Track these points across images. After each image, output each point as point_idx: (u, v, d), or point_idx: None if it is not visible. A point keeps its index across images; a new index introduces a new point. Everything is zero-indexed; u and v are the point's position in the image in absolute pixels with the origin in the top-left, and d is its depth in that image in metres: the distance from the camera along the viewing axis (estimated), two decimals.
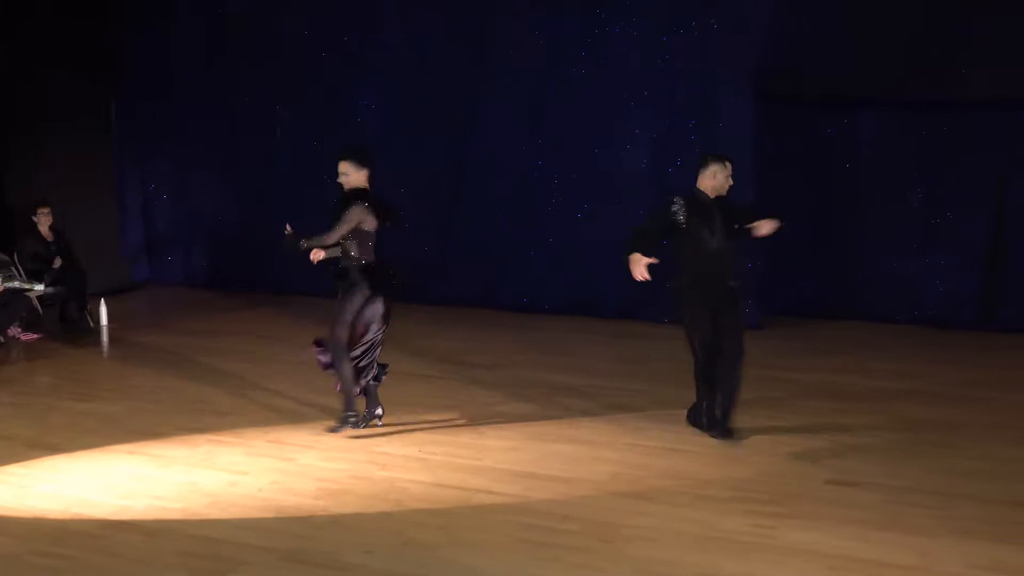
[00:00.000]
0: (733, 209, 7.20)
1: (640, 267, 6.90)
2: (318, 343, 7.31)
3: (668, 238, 7.14)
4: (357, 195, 7.14)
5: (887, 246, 11.71)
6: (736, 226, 7.11)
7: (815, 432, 7.20)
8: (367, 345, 7.12)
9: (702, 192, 7.13)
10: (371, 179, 7.30)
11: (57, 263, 10.92)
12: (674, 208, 7.03)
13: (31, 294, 10.49)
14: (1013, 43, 10.56)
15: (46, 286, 10.52)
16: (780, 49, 11.34)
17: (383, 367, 7.32)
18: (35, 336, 10.48)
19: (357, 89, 12.99)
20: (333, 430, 7.16)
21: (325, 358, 7.22)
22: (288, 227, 7.23)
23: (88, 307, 11.07)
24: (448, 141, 12.65)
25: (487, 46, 12.37)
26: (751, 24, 11.29)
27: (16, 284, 10.19)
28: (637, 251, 6.92)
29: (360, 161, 7.22)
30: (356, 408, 7.20)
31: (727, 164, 7.18)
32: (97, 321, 11.05)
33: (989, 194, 11.32)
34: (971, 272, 11.40)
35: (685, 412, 7.20)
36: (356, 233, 7.10)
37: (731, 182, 7.20)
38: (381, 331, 7.18)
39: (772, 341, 10.55)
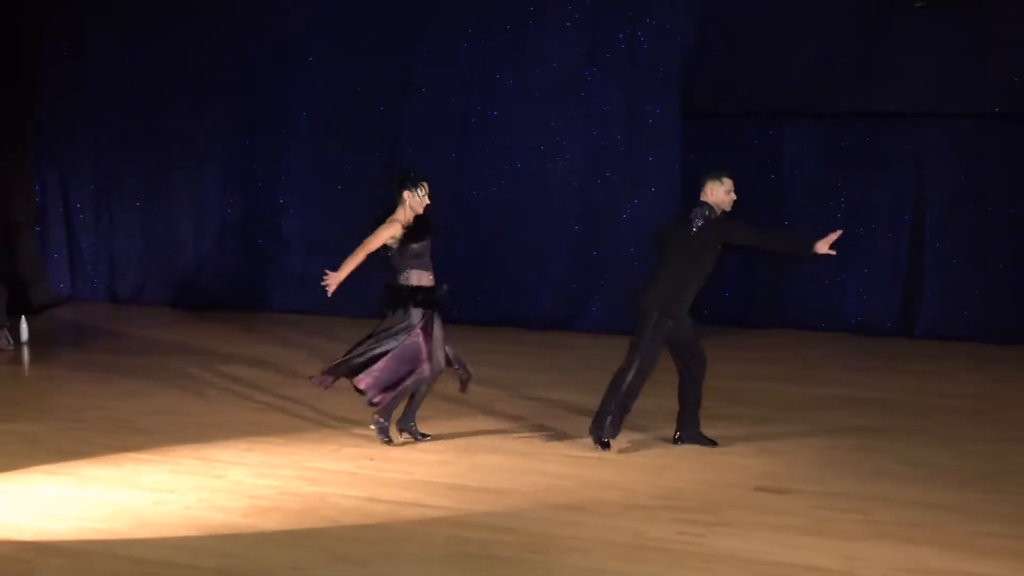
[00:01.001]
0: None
1: None
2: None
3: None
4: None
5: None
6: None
7: (742, 440, 7.31)
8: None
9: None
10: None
11: None
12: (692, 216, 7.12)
13: None
14: (923, 59, 10.88)
15: None
16: (706, 63, 11.53)
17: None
18: None
19: (285, 102, 12.91)
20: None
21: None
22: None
23: (7, 325, 10.83)
24: (374, 153, 12.63)
25: (413, 57, 12.37)
26: (678, 39, 11.46)
27: None
28: None
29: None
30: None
31: (725, 181, 7.20)
32: (18, 339, 10.82)
33: (908, 204, 11.62)
34: (892, 281, 11.69)
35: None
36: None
37: (734, 197, 7.27)
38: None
39: None
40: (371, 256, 7.21)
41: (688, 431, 7.22)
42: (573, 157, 11.91)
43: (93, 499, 6.08)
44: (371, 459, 6.88)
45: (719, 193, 7.14)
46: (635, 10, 11.55)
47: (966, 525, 5.67)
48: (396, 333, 7.03)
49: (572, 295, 11.99)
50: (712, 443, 7.18)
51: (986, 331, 11.30)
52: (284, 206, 13.06)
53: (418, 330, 7.01)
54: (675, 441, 7.22)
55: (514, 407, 8.31)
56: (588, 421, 7.21)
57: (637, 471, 6.65)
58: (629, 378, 6.98)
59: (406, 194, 7.15)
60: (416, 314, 7.03)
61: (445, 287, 7.18)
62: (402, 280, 7.10)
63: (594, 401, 7.26)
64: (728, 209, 7.22)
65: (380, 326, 7.14)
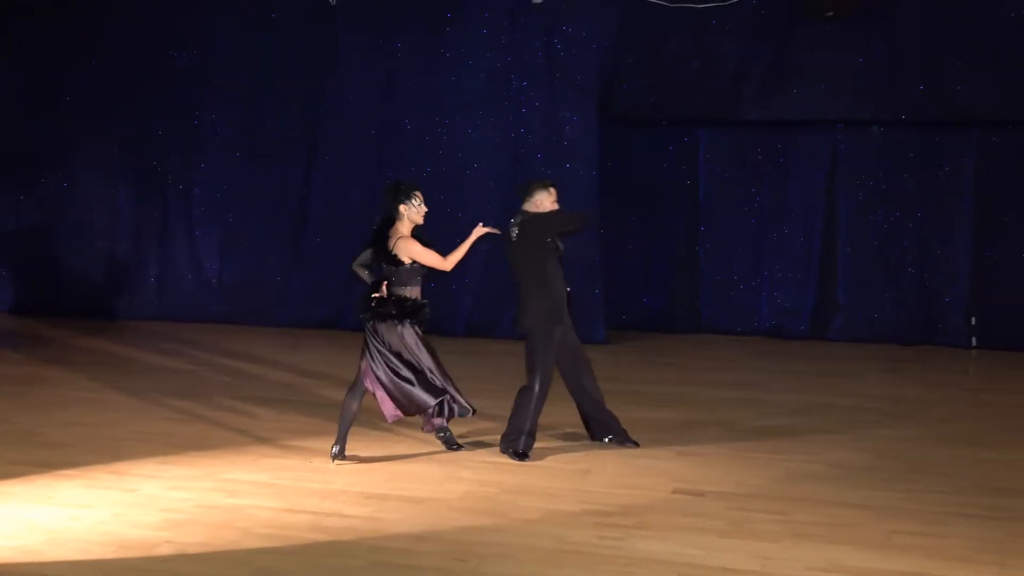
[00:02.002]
0: None
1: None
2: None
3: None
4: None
5: (727, 260, 12.14)
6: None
7: (662, 443, 7.37)
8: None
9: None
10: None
11: None
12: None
13: None
14: (833, 68, 11.13)
15: None
16: (623, 71, 11.65)
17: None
18: None
19: (200, 107, 12.74)
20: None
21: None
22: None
23: None
24: (292, 159, 12.53)
25: (330, 62, 12.30)
26: (594, 47, 11.55)
27: None
28: None
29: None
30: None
31: (551, 191, 7.21)
32: None
33: (820, 209, 11.86)
34: (805, 285, 11.91)
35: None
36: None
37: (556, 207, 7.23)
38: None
39: (618, 355, 10.78)
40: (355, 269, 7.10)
41: (610, 430, 7.27)
42: (491, 164, 11.93)
43: (4, 516, 5.90)
44: (311, 462, 6.85)
45: (547, 203, 7.15)
46: (552, 18, 11.63)
47: (882, 524, 5.78)
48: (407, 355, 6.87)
49: (492, 302, 12.00)
50: (635, 444, 7.24)
51: (896, 333, 11.57)
52: (198, 216, 12.89)
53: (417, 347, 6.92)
54: (598, 440, 7.27)
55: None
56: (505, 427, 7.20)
57: (557, 476, 6.66)
58: (535, 396, 7.01)
59: (403, 208, 6.95)
60: (410, 331, 6.89)
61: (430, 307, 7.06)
62: (398, 293, 6.90)
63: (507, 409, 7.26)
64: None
65: (383, 346, 6.86)
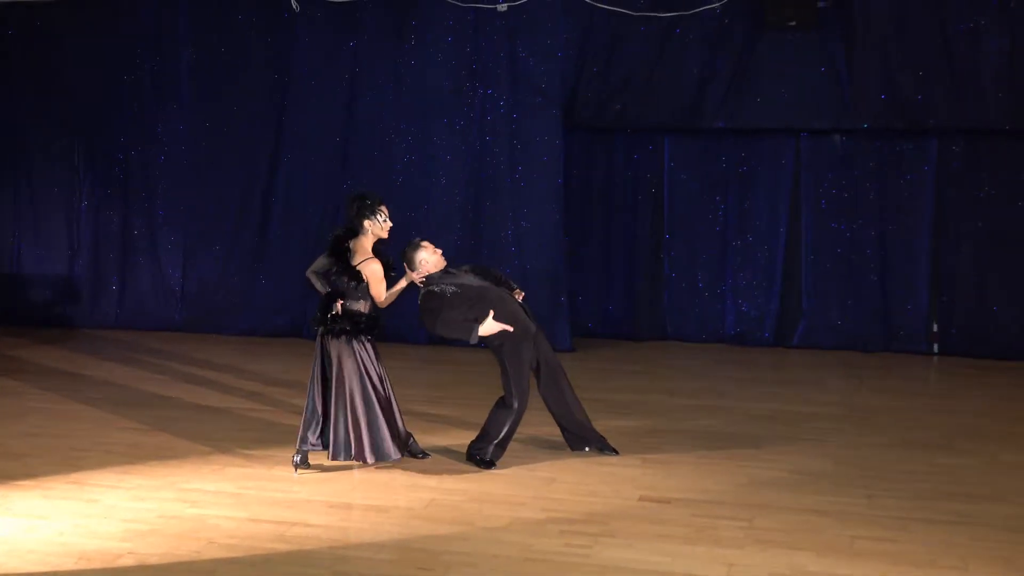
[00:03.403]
0: None
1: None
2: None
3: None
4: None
5: (692, 268, 12.22)
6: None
7: (627, 451, 7.40)
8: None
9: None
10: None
11: None
12: (446, 289, 7.04)
13: None
14: (795, 77, 11.26)
15: None
16: (586, 79, 11.70)
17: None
18: None
19: (158, 114, 12.67)
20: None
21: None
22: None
23: None
24: (254, 167, 12.48)
25: (291, 69, 12.26)
26: (558, 54, 11.60)
27: None
28: None
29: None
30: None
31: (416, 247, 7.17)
32: None
33: (784, 218, 11.96)
34: (768, 292, 12.00)
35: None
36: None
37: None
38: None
39: (583, 362, 10.81)
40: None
41: (587, 440, 7.30)
42: (454, 173, 11.93)
43: None
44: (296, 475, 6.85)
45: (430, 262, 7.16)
46: (516, 26, 11.65)
47: (843, 529, 5.84)
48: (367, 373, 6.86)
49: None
50: (614, 451, 7.30)
51: (858, 340, 11.68)
52: (159, 223, 12.81)
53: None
54: (576, 451, 7.29)
55: None
56: (472, 435, 7.21)
57: (523, 484, 6.67)
58: (514, 412, 7.00)
59: (367, 223, 6.88)
60: (368, 347, 6.88)
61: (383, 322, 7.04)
62: (352, 307, 6.87)
63: (477, 416, 7.27)
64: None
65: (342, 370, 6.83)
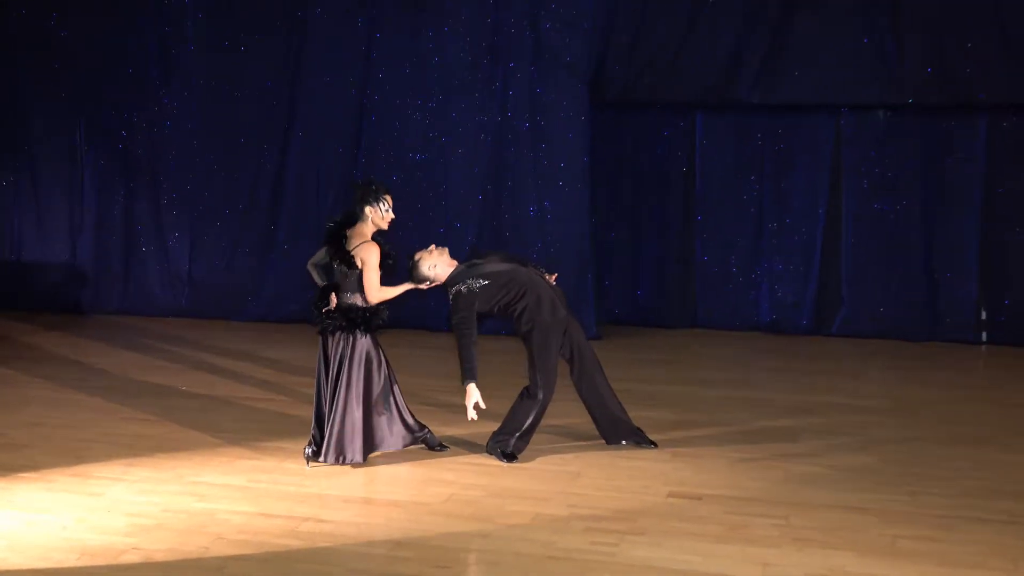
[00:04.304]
0: None
1: None
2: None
3: None
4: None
5: (725, 252, 12.18)
6: None
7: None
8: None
9: None
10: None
11: None
12: (470, 289, 7.01)
13: None
14: (836, 49, 11.16)
15: None
16: (614, 52, 11.65)
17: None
18: None
19: (163, 90, 12.70)
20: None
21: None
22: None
23: None
24: (264, 146, 12.50)
25: (305, 45, 12.26)
26: (584, 26, 11.55)
27: None
28: None
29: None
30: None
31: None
32: None
33: (823, 198, 11.89)
34: (806, 277, 11.95)
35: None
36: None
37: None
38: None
39: (610, 351, 10.78)
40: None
41: (623, 433, 7.30)
42: (474, 152, 11.92)
43: None
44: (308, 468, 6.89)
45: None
46: None
47: (885, 528, 5.83)
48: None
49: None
50: (652, 444, 7.30)
51: (902, 329, 11.62)
52: (166, 206, 12.86)
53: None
54: (613, 444, 7.29)
55: (416, 413, 8.26)
56: (493, 427, 7.22)
57: (546, 479, 6.68)
58: (539, 403, 7.00)
59: (368, 210, 6.87)
60: (367, 342, 6.90)
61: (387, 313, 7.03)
62: (347, 301, 6.88)
63: (499, 407, 7.28)
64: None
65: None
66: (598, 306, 11.84)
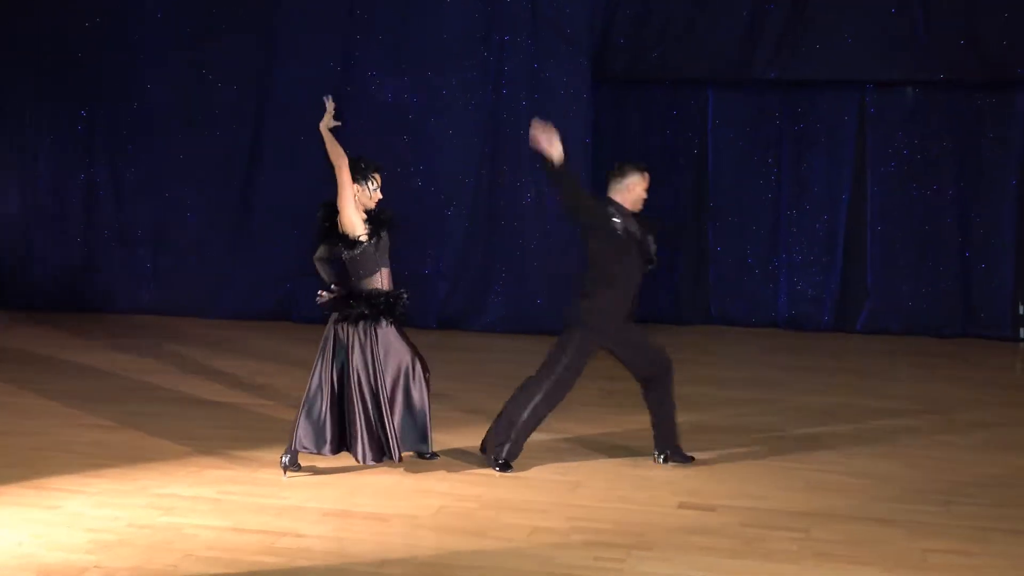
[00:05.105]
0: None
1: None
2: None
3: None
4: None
5: (740, 242, 12.18)
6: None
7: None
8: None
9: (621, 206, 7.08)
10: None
11: None
12: (610, 210, 7.00)
13: None
14: (861, 21, 11.15)
15: None
16: (619, 23, 11.65)
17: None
18: None
19: (126, 66, 12.67)
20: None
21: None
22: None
23: None
24: (236, 127, 12.48)
25: (282, 15, 12.24)
26: None
27: None
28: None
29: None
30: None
31: (646, 175, 7.14)
32: None
33: (847, 182, 11.90)
34: (828, 269, 11.96)
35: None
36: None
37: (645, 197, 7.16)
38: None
39: None
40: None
41: (668, 447, 7.25)
42: (468, 131, 11.92)
43: None
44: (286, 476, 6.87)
45: (639, 191, 7.12)
46: None
47: (914, 541, 5.83)
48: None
49: (469, 290, 12.01)
50: (688, 459, 7.22)
51: (932, 324, 11.63)
52: (131, 195, 12.85)
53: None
54: (660, 460, 7.24)
55: None
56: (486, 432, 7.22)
57: (544, 489, 6.68)
58: (539, 396, 6.97)
59: (356, 188, 6.92)
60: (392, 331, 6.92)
61: (406, 295, 7.04)
62: (366, 286, 6.88)
63: (493, 410, 7.27)
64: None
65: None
66: None
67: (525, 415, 6.99)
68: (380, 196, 6.98)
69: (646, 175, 7.15)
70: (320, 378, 6.88)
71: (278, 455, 7.13)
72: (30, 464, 7.13)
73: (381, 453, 6.85)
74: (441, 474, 6.96)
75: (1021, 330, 11.61)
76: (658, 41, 11.65)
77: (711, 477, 6.93)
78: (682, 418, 8.30)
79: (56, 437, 7.81)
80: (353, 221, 6.81)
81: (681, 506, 6.39)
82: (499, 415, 7.10)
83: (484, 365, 10.21)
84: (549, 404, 7.04)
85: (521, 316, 11.67)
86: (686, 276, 12.34)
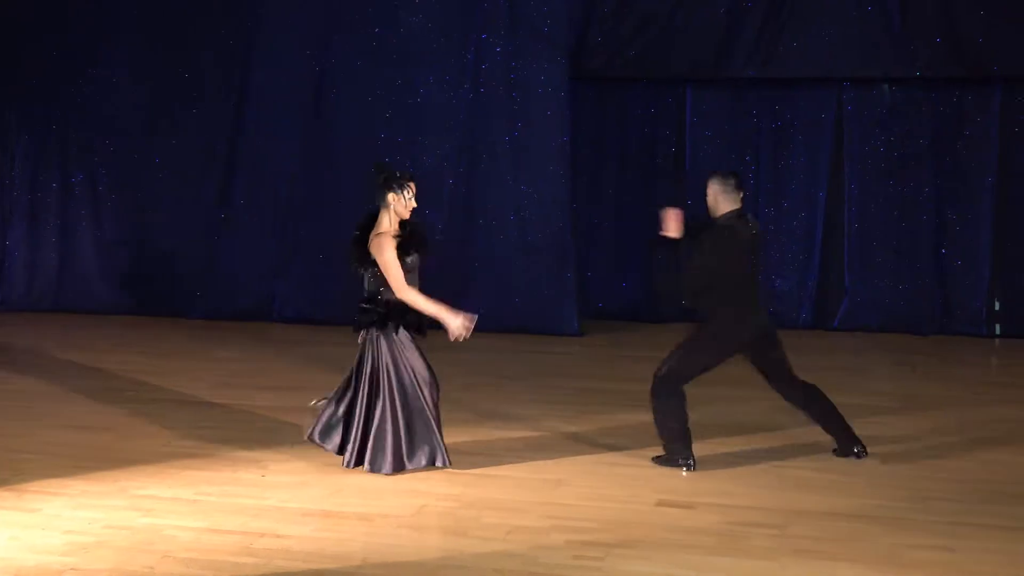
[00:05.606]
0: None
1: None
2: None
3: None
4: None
5: None
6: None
7: (642, 448, 7.41)
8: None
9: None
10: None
11: None
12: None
13: None
14: (838, 19, 11.20)
15: None
16: (597, 20, 11.67)
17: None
18: None
19: (103, 62, 12.61)
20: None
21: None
22: None
23: None
24: (213, 123, 12.44)
25: (258, 12, 12.20)
26: None
27: None
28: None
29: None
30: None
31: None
32: None
33: (824, 180, 11.95)
34: (806, 266, 12.00)
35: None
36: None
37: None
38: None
39: (592, 348, 10.83)
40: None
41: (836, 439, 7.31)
42: (444, 130, 11.91)
43: None
44: (263, 475, 6.86)
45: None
46: None
47: (891, 537, 5.86)
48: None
49: (445, 287, 11.96)
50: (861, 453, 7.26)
51: (909, 321, 11.69)
52: (103, 191, 12.80)
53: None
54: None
55: None
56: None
57: (525, 487, 6.69)
58: (667, 389, 7.12)
59: (391, 197, 6.86)
60: (405, 338, 6.89)
61: None
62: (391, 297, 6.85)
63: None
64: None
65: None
66: (580, 299, 11.86)
67: (671, 410, 7.08)
68: (415, 205, 6.96)
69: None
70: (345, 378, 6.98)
71: (257, 455, 7.13)
72: (7, 466, 7.09)
73: (361, 460, 6.87)
74: (422, 474, 6.96)
75: (997, 326, 11.67)
76: (636, 39, 11.68)
77: (690, 475, 6.95)
78: None
79: (33, 439, 7.78)
80: (388, 268, 6.76)
81: (660, 504, 6.41)
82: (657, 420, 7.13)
83: (460, 365, 10.19)
84: (673, 392, 7.13)
85: (499, 315, 11.66)
86: (662, 274, 12.35)
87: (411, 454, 6.89)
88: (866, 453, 7.16)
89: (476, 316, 6.87)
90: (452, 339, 6.81)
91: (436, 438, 6.88)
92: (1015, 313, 11.60)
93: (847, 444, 7.22)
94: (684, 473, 6.96)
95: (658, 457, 7.15)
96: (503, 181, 11.84)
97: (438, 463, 6.89)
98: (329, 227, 12.12)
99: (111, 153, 12.74)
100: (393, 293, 6.80)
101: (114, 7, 12.54)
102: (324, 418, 6.96)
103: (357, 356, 6.94)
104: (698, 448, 7.44)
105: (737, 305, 7.07)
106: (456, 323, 6.79)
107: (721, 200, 7.11)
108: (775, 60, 11.51)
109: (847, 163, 11.92)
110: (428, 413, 6.87)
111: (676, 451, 7.07)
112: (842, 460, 7.24)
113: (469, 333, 6.83)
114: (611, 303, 12.44)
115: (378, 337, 6.84)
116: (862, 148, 11.87)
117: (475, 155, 11.93)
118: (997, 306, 11.67)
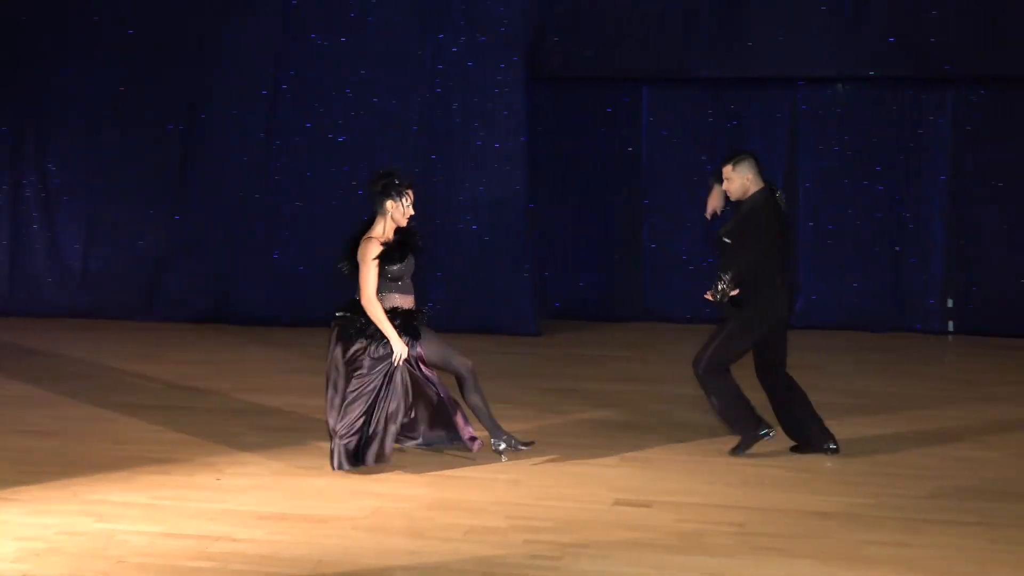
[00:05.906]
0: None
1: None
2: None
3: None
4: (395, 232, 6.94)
5: (674, 239, 12.26)
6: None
7: (600, 448, 7.42)
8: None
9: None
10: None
11: None
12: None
13: None
14: (793, 20, 11.28)
15: None
16: (553, 20, 11.68)
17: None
18: None
19: (58, 62, 12.48)
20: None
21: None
22: None
23: None
24: (166, 124, 12.35)
25: (216, 14, 12.13)
26: None
27: None
28: None
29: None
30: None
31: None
32: None
33: (779, 179, 11.99)
34: None
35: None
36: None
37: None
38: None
39: (550, 348, 10.83)
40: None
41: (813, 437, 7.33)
42: (400, 130, 11.88)
43: None
44: (218, 479, 6.81)
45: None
46: None
47: (849, 533, 5.89)
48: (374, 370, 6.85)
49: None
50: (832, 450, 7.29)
51: (864, 319, 11.77)
52: (56, 192, 12.67)
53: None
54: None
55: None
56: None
57: (482, 487, 6.68)
58: (717, 379, 7.25)
59: (390, 204, 6.91)
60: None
61: (427, 309, 7.11)
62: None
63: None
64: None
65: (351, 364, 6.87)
66: (537, 298, 11.86)
67: (731, 400, 7.20)
68: (412, 212, 6.98)
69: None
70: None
71: (212, 459, 7.08)
72: None
73: (350, 460, 6.92)
74: (378, 475, 6.93)
75: (950, 323, 11.78)
76: (593, 39, 11.69)
77: (647, 474, 6.96)
78: (617, 415, 8.37)
79: None
80: (364, 270, 6.81)
81: (617, 503, 6.41)
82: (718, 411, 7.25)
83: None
84: (721, 374, 7.27)
85: (457, 314, 11.63)
86: (620, 273, 12.39)
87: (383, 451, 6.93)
88: (838, 450, 7.18)
89: (419, 354, 6.91)
90: (391, 361, 6.85)
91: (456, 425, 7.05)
92: (968, 310, 11.71)
93: (820, 439, 7.26)
94: (771, 438, 7.15)
95: (735, 448, 7.24)
96: (460, 181, 11.82)
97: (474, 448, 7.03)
98: (285, 229, 12.09)
99: (64, 154, 12.59)
100: (390, 299, 6.87)
101: (76, 18, 12.38)
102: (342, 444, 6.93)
103: (351, 365, 6.89)
104: (655, 447, 7.46)
105: (777, 284, 7.24)
106: (398, 350, 6.81)
107: (752, 182, 7.32)
108: (731, 60, 11.58)
109: (802, 162, 12.00)
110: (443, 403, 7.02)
111: (748, 430, 7.19)
112: (800, 457, 7.27)
113: (402, 364, 6.87)
114: (568, 303, 12.45)
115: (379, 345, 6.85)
116: (817, 147, 11.94)
117: (431, 155, 11.89)
118: (950, 303, 11.77)
